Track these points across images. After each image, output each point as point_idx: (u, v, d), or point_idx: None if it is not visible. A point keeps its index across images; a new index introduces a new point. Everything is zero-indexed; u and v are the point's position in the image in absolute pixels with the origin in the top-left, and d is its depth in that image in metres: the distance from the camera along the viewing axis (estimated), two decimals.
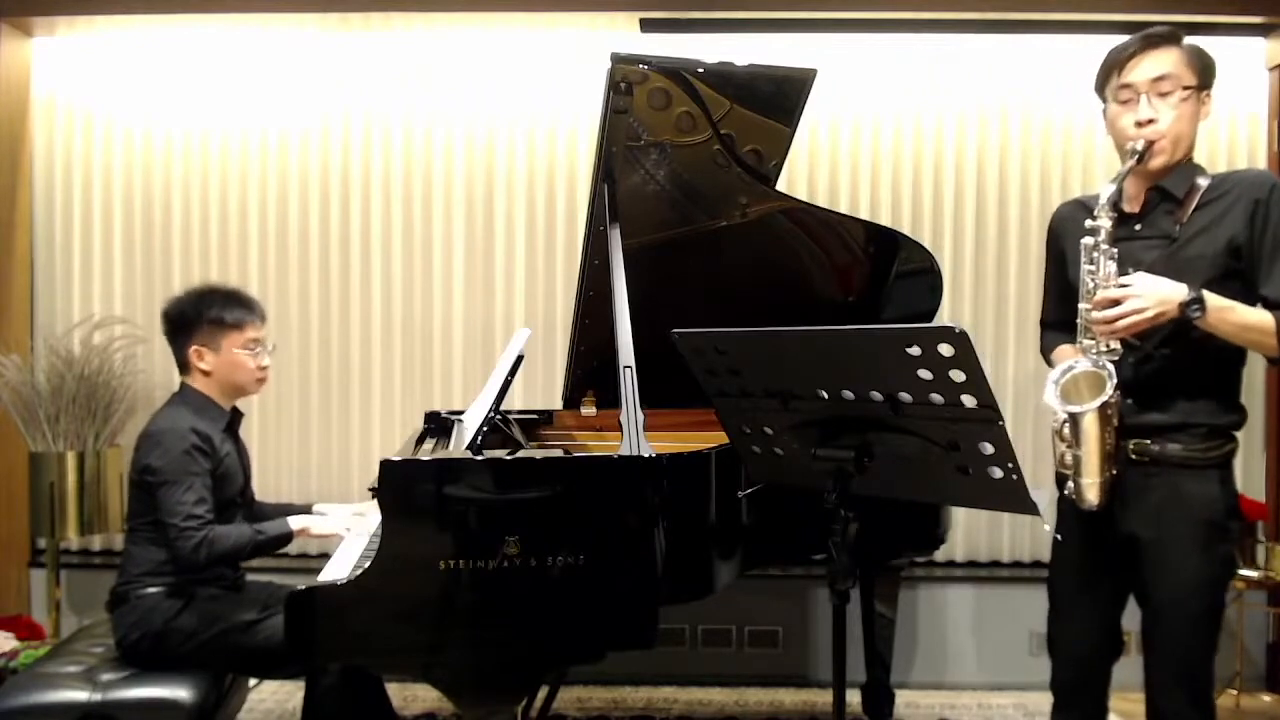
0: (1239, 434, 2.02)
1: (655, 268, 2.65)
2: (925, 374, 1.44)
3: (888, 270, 2.84)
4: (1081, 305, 1.93)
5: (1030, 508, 1.53)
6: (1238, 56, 3.45)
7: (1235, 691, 3.33)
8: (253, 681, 3.05)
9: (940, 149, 3.50)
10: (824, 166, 3.51)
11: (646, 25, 3.33)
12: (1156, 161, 1.92)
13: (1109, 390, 1.85)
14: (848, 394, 1.57)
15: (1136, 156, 1.90)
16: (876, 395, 1.53)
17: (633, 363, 2.19)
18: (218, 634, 2.30)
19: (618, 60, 2.33)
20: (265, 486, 3.46)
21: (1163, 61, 1.92)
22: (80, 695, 2.20)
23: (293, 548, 3.53)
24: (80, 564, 3.60)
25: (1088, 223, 1.91)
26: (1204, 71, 1.95)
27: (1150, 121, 1.91)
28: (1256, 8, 3.24)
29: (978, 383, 1.41)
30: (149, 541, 2.35)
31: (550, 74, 3.52)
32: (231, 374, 2.46)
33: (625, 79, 2.37)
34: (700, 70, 2.44)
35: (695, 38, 3.34)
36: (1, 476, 3.47)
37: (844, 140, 3.51)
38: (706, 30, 3.34)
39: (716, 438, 2.08)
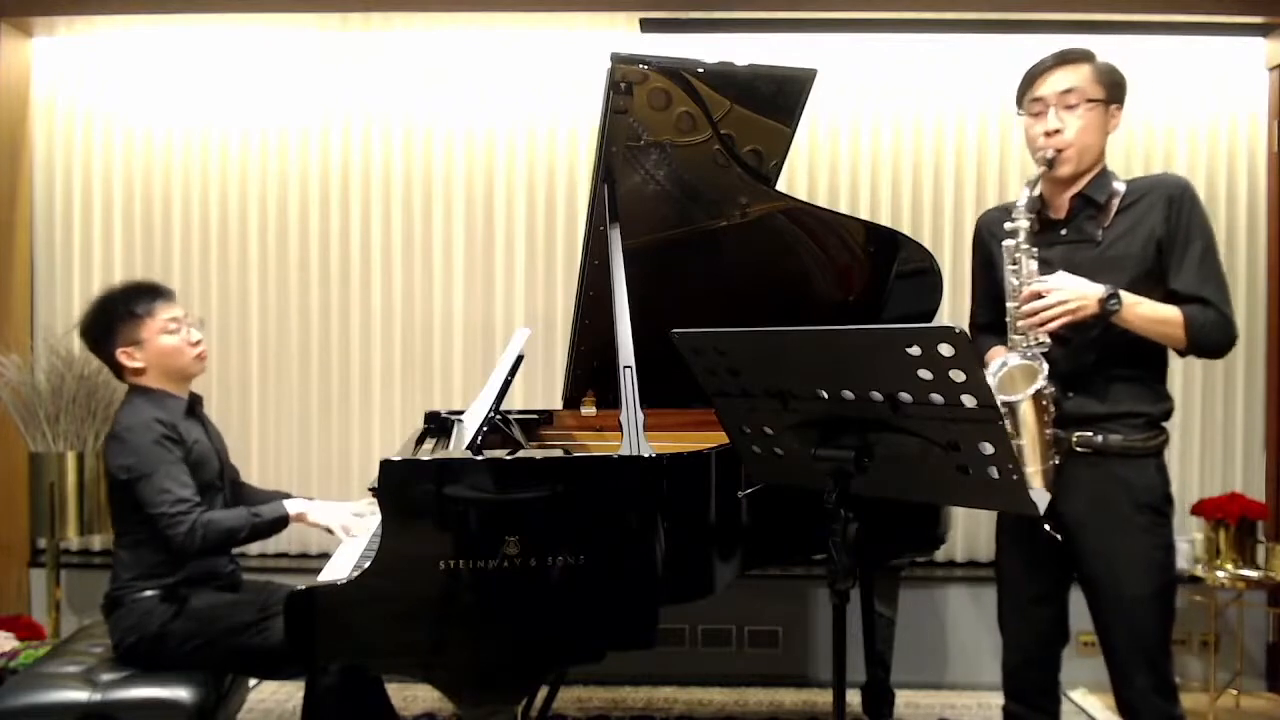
0: (1167, 425, 2.11)
1: (655, 268, 2.64)
2: (925, 374, 1.44)
3: (888, 270, 2.84)
4: (1009, 304, 2.05)
5: (1030, 507, 1.53)
6: (1238, 56, 3.46)
7: (1235, 691, 3.33)
8: (253, 681, 3.05)
9: (940, 149, 3.50)
10: (824, 166, 3.52)
11: (646, 25, 3.33)
12: (1064, 170, 2.04)
13: (1042, 378, 1.97)
14: (848, 394, 1.57)
15: (1046, 164, 2.03)
16: (876, 395, 1.53)
17: (633, 363, 2.19)
18: (216, 636, 2.28)
19: (618, 60, 2.33)
20: (265, 485, 3.44)
21: (1071, 76, 2.04)
22: (80, 695, 2.20)
23: (293, 547, 3.57)
24: (80, 564, 3.60)
25: (1006, 225, 2.04)
26: (1112, 87, 2.06)
27: (1057, 132, 2.03)
28: (1256, 8, 3.24)
29: (978, 383, 1.41)
30: (137, 544, 2.32)
31: (550, 74, 3.52)
32: (165, 361, 2.40)
33: (625, 79, 2.36)
34: (700, 70, 2.44)
35: (695, 38, 3.34)
36: (1, 476, 3.47)
37: (844, 140, 3.51)
38: (706, 30, 3.34)
39: (716, 438, 2.08)
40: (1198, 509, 3.32)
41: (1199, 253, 1.99)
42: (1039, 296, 1.96)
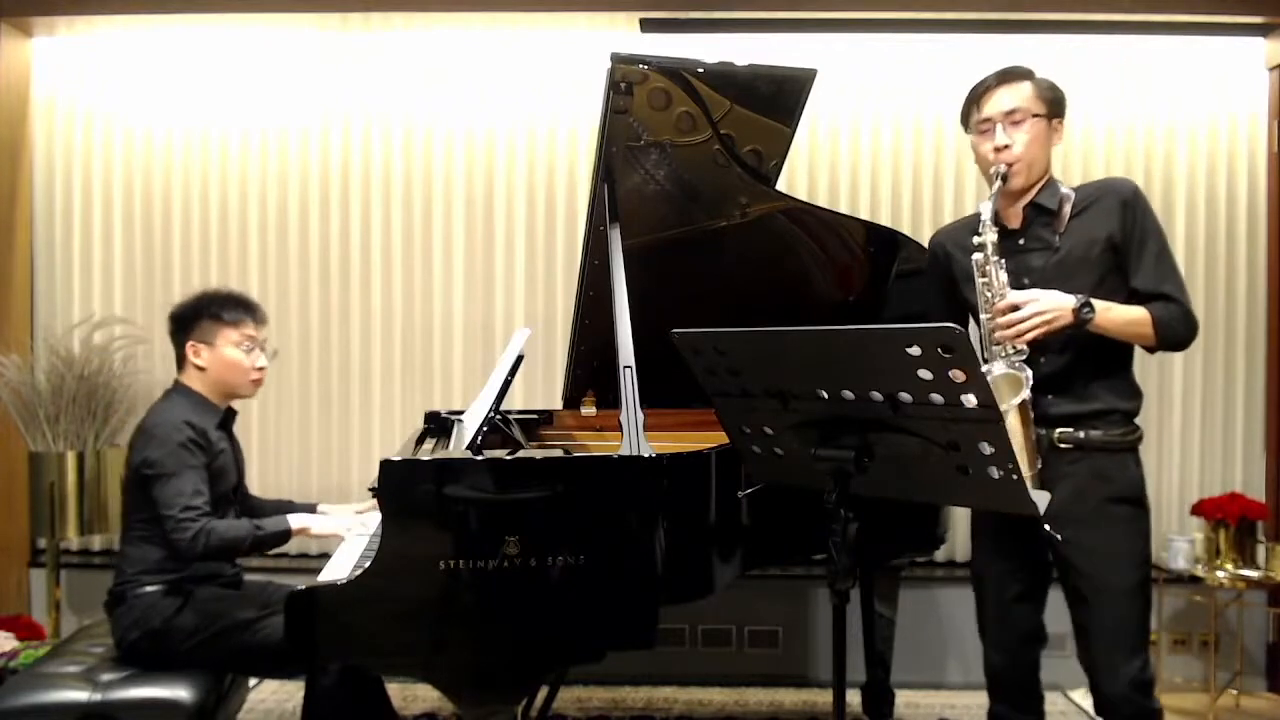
0: (1139, 421, 2.18)
1: (655, 268, 2.64)
2: (925, 374, 1.44)
3: (888, 270, 2.84)
4: (983, 316, 2.10)
5: (1030, 507, 1.53)
6: (1238, 56, 3.46)
7: (1235, 691, 3.33)
8: (253, 681, 3.05)
9: (940, 149, 3.50)
10: (824, 166, 3.52)
11: (646, 25, 3.33)
12: (1016, 182, 2.14)
13: (1027, 388, 2.03)
14: (848, 394, 1.57)
15: (1000, 179, 2.11)
16: (876, 395, 1.53)
17: (633, 363, 2.18)
18: (217, 633, 2.29)
19: (618, 60, 2.33)
20: (265, 485, 3.47)
21: (1014, 95, 2.14)
22: (80, 695, 2.20)
23: (292, 547, 3.56)
24: (80, 564, 3.60)
25: (974, 239, 2.11)
26: (1053, 103, 2.16)
27: (1006, 147, 2.12)
28: (1256, 8, 3.25)
29: (978, 382, 1.41)
30: (144, 540, 2.35)
31: (550, 74, 3.52)
32: (225, 372, 2.46)
33: (625, 79, 2.36)
34: (700, 70, 2.44)
35: (695, 38, 3.34)
36: (1, 476, 3.47)
37: (844, 140, 3.51)
38: (706, 30, 3.34)
39: (716, 438, 2.08)
40: (1198, 509, 3.32)
41: (1155, 251, 2.08)
42: (1015, 308, 2.02)
